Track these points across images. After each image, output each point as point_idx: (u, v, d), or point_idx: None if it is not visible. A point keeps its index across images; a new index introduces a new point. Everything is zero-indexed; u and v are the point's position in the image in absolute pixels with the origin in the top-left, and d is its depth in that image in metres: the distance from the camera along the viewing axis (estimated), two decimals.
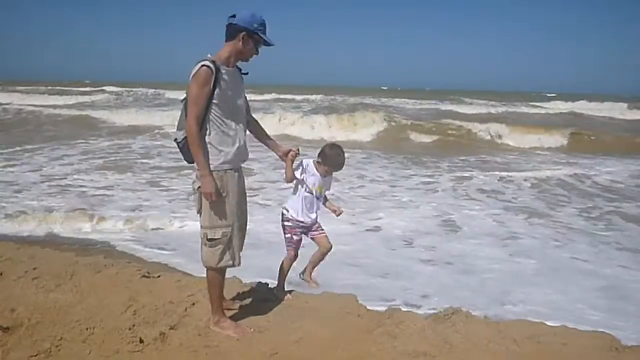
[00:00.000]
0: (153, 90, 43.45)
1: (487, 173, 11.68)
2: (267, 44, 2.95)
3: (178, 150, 2.97)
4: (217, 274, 3.02)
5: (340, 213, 3.62)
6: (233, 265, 3.01)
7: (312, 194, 3.47)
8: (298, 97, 37.08)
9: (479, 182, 10.58)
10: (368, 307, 3.49)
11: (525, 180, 10.86)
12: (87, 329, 3.07)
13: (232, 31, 2.87)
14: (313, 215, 3.52)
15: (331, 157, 3.46)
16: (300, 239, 3.55)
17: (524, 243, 6.50)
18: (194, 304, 3.43)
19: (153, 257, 5.49)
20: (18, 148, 13.48)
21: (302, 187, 3.47)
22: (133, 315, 3.25)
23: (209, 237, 2.93)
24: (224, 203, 2.91)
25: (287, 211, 3.51)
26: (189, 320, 3.22)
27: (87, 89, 45.40)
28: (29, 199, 7.96)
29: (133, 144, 15.09)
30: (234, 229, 2.97)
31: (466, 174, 11.46)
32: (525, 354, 2.98)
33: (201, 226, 2.97)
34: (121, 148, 14.27)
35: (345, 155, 3.55)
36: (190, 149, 2.81)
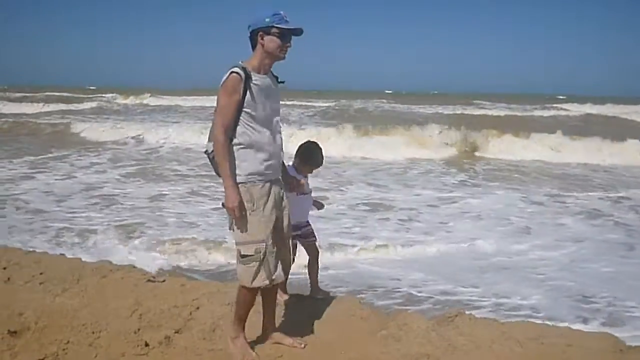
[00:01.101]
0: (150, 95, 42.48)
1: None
2: (292, 31, 2.72)
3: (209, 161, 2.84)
4: (248, 293, 2.80)
5: (323, 207, 3.72)
6: (269, 285, 2.79)
7: (307, 193, 3.46)
8: (300, 104, 35.24)
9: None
10: (372, 310, 3.51)
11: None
12: (93, 332, 3.11)
13: (252, 38, 2.74)
14: (307, 213, 3.54)
15: (311, 155, 3.44)
16: (296, 244, 3.51)
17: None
18: (198, 307, 3.45)
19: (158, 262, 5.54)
20: (48, 155, 13.39)
21: (295, 193, 3.40)
22: (138, 319, 3.27)
23: (242, 254, 2.74)
24: (255, 217, 2.72)
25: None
26: (193, 324, 3.25)
27: (91, 95, 45.03)
28: (100, 217, 7.43)
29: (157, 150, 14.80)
30: (268, 245, 2.75)
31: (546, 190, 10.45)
32: (529, 356, 2.98)
33: (235, 243, 2.80)
34: (150, 154, 14.23)
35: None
36: (216, 159, 2.68)
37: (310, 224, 3.60)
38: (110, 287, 3.79)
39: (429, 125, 17.82)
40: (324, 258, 4.88)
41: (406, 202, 8.77)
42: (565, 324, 3.51)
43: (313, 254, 3.65)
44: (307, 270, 3.78)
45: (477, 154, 15.40)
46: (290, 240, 3.02)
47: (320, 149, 3.48)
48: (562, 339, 3.17)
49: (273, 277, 2.77)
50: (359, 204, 8.57)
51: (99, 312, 3.36)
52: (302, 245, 3.62)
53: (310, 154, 3.45)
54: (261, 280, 2.75)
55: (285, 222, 2.94)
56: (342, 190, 9.66)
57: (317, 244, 3.66)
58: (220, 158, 2.66)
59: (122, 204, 8.27)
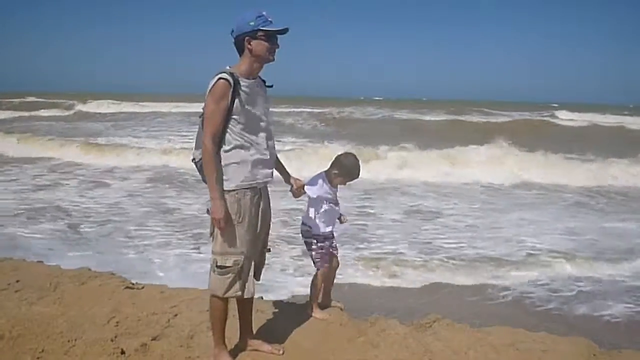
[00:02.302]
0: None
1: None
2: (277, 32, 2.66)
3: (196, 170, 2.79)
4: (221, 303, 2.76)
5: (346, 220, 3.63)
6: (242, 296, 2.77)
7: (330, 203, 3.41)
8: (290, 110, 33.25)
9: None
10: (350, 316, 3.52)
11: None
12: (68, 340, 3.07)
13: (238, 44, 2.68)
14: (335, 224, 3.49)
15: (349, 167, 3.37)
16: (330, 247, 3.48)
17: None
18: (176, 315, 3.44)
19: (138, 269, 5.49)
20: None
21: (323, 202, 3.39)
22: (115, 326, 3.25)
23: (218, 264, 2.69)
24: (240, 228, 2.67)
25: (310, 227, 3.44)
26: (171, 331, 3.23)
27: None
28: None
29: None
30: (246, 257, 2.73)
31: None
32: None
33: (212, 251, 2.74)
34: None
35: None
36: (204, 168, 2.62)
37: (334, 236, 3.54)
38: (88, 295, 3.76)
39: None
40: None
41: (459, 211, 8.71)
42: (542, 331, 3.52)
43: (334, 266, 3.60)
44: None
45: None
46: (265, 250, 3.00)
47: (359, 162, 3.41)
48: (537, 345, 3.21)
49: (246, 289, 2.76)
50: (412, 211, 8.45)
51: (76, 319, 3.33)
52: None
53: (348, 167, 3.37)
54: (234, 292, 2.73)
55: (265, 233, 2.93)
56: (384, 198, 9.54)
57: (338, 257, 3.61)
58: (208, 167, 2.60)
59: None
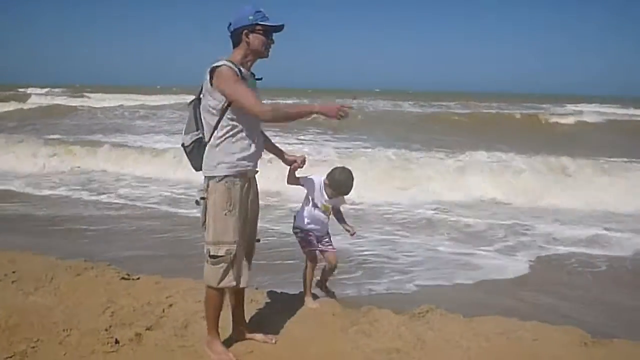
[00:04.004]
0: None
1: None
2: (274, 28, 2.74)
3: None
4: (216, 293, 2.78)
5: (354, 233, 3.69)
6: (236, 286, 2.79)
7: (317, 207, 3.52)
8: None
9: None
10: (343, 306, 3.55)
11: None
12: (64, 330, 3.11)
13: (235, 37, 2.73)
14: (321, 228, 3.58)
15: (339, 182, 3.48)
16: (316, 244, 3.56)
17: None
18: (171, 305, 3.47)
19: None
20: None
21: (310, 203, 3.53)
22: (110, 316, 3.28)
23: (211, 254, 2.70)
24: (231, 217, 2.69)
25: (296, 223, 3.58)
26: (165, 321, 3.26)
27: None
28: None
29: None
30: (239, 247, 2.74)
31: None
32: (496, 350, 3.04)
33: (205, 241, 2.75)
34: None
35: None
36: (289, 118, 2.74)
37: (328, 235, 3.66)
38: (84, 285, 3.79)
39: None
40: None
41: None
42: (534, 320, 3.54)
43: (332, 262, 3.68)
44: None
45: None
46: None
47: (352, 180, 3.53)
48: (529, 334, 3.23)
49: (241, 279, 2.78)
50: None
51: (71, 310, 3.37)
52: (323, 253, 3.62)
53: (338, 182, 3.50)
54: (228, 282, 2.75)
55: (254, 222, 2.95)
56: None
57: (335, 255, 3.70)
58: (286, 115, 2.69)
59: None
